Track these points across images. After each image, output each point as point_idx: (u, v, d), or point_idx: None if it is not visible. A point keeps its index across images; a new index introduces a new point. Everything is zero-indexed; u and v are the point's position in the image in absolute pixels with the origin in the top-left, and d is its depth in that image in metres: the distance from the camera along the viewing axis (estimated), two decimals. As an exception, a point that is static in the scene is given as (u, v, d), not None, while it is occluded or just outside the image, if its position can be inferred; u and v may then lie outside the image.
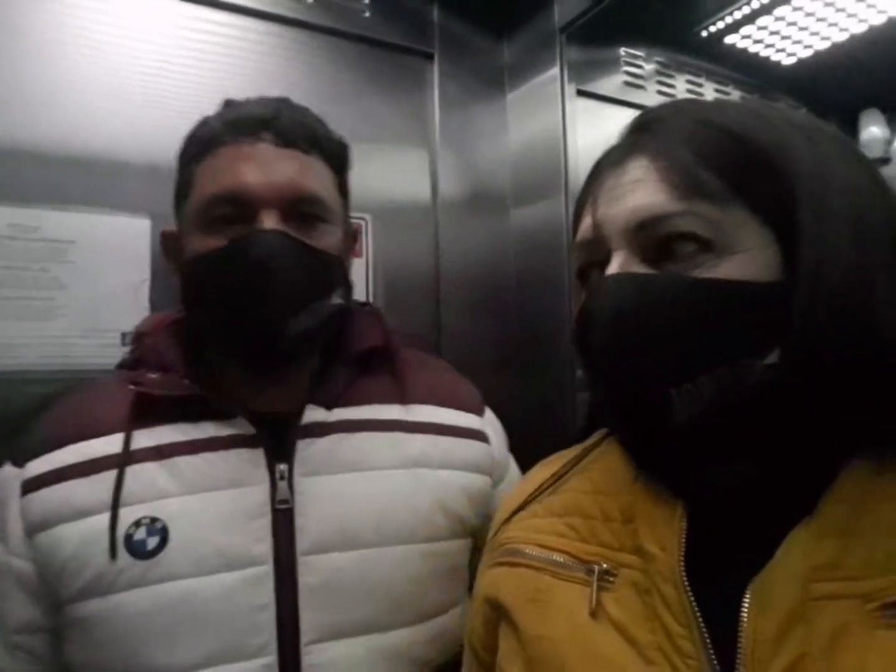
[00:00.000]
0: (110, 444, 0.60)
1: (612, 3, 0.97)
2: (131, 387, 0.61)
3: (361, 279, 1.03)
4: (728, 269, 0.38)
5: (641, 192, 0.41)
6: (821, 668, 0.34)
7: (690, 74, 1.24)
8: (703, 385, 0.38)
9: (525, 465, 0.78)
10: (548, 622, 0.44)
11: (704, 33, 1.14)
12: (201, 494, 0.59)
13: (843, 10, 1.06)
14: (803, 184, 0.38)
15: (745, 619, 0.36)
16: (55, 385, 0.79)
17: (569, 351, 1.03)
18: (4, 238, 0.80)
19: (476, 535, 0.70)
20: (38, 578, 0.58)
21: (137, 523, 0.57)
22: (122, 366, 0.67)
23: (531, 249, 1.11)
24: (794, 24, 1.10)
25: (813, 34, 1.13)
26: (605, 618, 0.41)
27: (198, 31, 0.94)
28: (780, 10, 1.06)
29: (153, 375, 0.62)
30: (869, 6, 1.05)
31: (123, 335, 0.86)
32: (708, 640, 0.37)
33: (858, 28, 1.10)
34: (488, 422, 0.76)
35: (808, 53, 1.20)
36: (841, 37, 1.13)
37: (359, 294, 1.00)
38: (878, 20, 1.07)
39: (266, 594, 0.58)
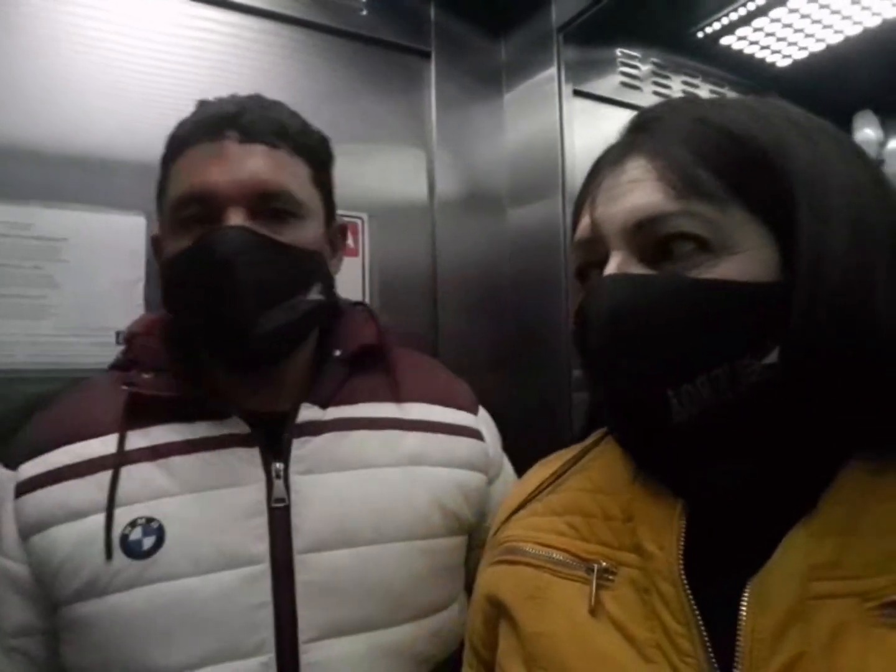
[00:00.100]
0: (105, 444, 0.60)
1: (609, 3, 0.98)
2: (125, 387, 0.61)
3: (357, 279, 1.03)
4: (727, 269, 0.38)
5: (639, 191, 0.41)
6: (819, 667, 0.34)
7: (686, 75, 1.24)
8: (701, 386, 0.38)
9: (522, 464, 0.78)
10: (547, 620, 0.44)
11: (700, 34, 1.15)
12: (197, 494, 0.59)
13: (837, 12, 1.07)
14: (802, 183, 0.38)
15: (744, 618, 0.36)
16: (47, 384, 0.79)
17: (566, 351, 1.03)
18: (-3, 235, 0.79)
19: (472, 532, 0.70)
20: (34, 581, 0.57)
21: (133, 523, 0.57)
22: (115, 366, 0.67)
23: (528, 249, 1.11)
24: (789, 25, 1.11)
25: (808, 36, 1.14)
26: (604, 616, 0.41)
27: (193, 28, 0.93)
28: (775, 12, 1.06)
29: (146, 376, 0.62)
30: (863, 8, 1.05)
31: (117, 334, 0.85)
32: (706, 639, 0.37)
33: (853, 30, 1.11)
34: (482, 420, 0.76)
35: (802, 55, 1.20)
36: (835, 39, 1.14)
37: (355, 293, 1.00)
38: (873, 22, 1.08)
39: (264, 592, 0.58)
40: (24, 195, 0.81)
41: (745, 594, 0.36)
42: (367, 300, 1.02)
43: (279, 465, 0.61)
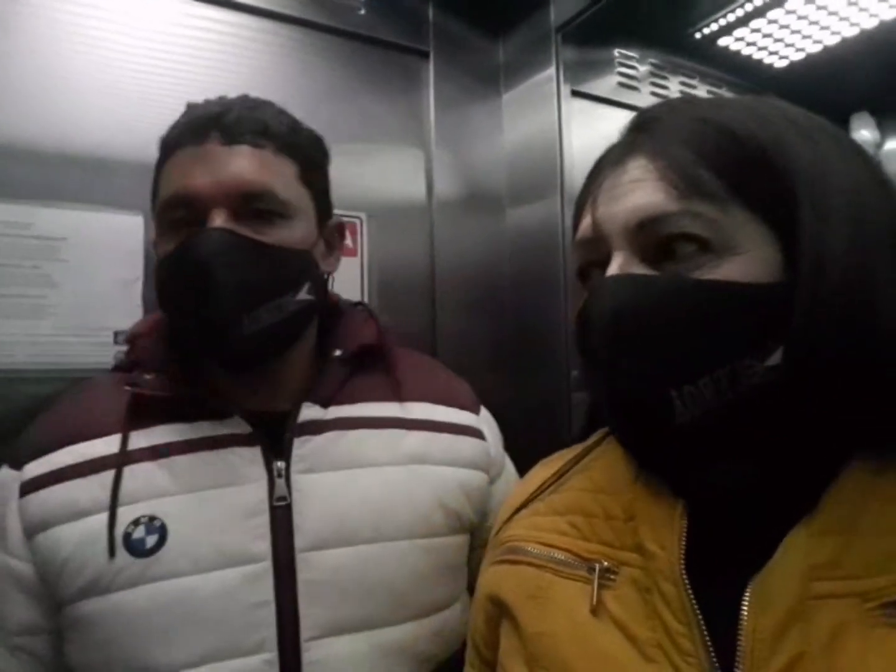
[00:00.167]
0: (107, 444, 0.60)
1: (607, 3, 0.98)
2: (127, 388, 0.62)
3: (356, 278, 1.03)
4: (729, 270, 0.38)
5: (641, 191, 0.40)
6: (820, 667, 0.34)
7: (684, 76, 1.25)
8: (704, 387, 0.38)
9: (520, 464, 0.79)
10: (549, 619, 0.44)
11: (698, 35, 1.15)
12: (199, 493, 0.59)
13: (835, 13, 1.07)
14: (803, 182, 0.38)
15: (745, 618, 0.36)
16: (46, 384, 0.79)
17: (564, 351, 1.03)
18: (-4, 235, 0.79)
19: (473, 531, 0.70)
20: (38, 579, 0.58)
21: (136, 522, 0.57)
22: (118, 367, 0.68)
23: (527, 249, 1.11)
24: (786, 27, 1.11)
25: (805, 37, 1.14)
26: (605, 615, 0.41)
27: (192, 27, 0.93)
28: (773, 13, 1.07)
29: (148, 376, 0.62)
30: (861, 10, 1.05)
31: (116, 334, 0.85)
32: (707, 638, 0.37)
33: (850, 32, 1.11)
34: (484, 420, 0.76)
35: (799, 56, 1.20)
36: (833, 40, 1.14)
37: (353, 293, 1.00)
38: (870, 24, 1.08)
39: (265, 591, 0.58)
40: (23, 195, 0.81)
41: (747, 594, 0.36)
42: (365, 300, 1.01)
43: (280, 465, 0.61)
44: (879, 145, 1.37)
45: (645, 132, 0.44)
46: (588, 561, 0.44)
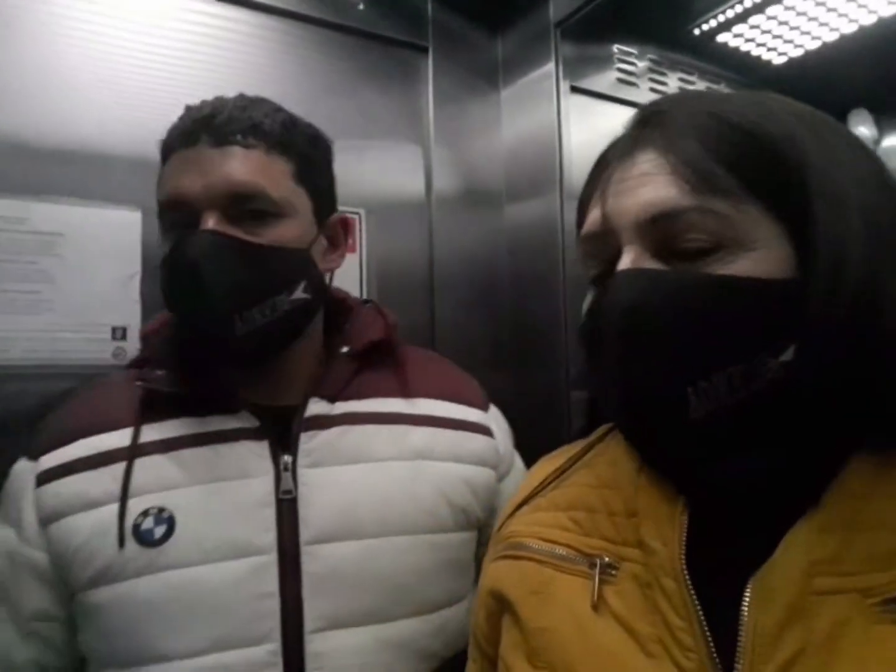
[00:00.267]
0: (119, 438, 0.62)
1: (606, -1, 0.98)
2: (138, 384, 0.63)
3: (355, 274, 1.03)
4: (743, 266, 0.38)
5: (653, 185, 0.40)
6: (820, 663, 0.34)
7: (682, 72, 1.24)
8: (718, 382, 0.38)
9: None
10: (550, 614, 0.44)
11: (697, 31, 1.15)
12: (207, 485, 0.61)
13: (834, 9, 1.07)
14: (815, 177, 0.38)
15: (746, 613, 0.36)
16: (43, 380, 0.79)
17: (563, 347, 1.03)
18: (-8, 230, 0.79)
19: (482, 528, 0.71)
20: (52, 568, 0.60)
21: (145, 513, 0.59)
22: (131, 365, 0.69)
23: (525, 245, 1.11)
24: (785, 23, 1.11)
25: (804, 34, 1.14)
26: (606, 611, 0.41)
27: (190, 21, 0.93)
28: (771, 10, 1.07)
29: (159, 373, 0.64)
30: (860, 6, 1.05)
31: (114, 329, 0.85)
32: (708, 634, 0.37)
33: (849, 28, 1.11)
34: (492, 417, 0.76)
35: (798, 53, 1.20)
36: (831, 36, 1.14)
37: (352, 289, 0.99)
38: (869, 20, 1.08)
39: (271, 582, 0.59)
40: (19, 189, 0.80)
41: (748, 590, 0.36)
42: (364, 295, 1.01)
43: (287, 458, 0.62)
44: (877, 142, 1.38)
45: (653, 126, 0.43)
46: (589, 556, 0.44)
